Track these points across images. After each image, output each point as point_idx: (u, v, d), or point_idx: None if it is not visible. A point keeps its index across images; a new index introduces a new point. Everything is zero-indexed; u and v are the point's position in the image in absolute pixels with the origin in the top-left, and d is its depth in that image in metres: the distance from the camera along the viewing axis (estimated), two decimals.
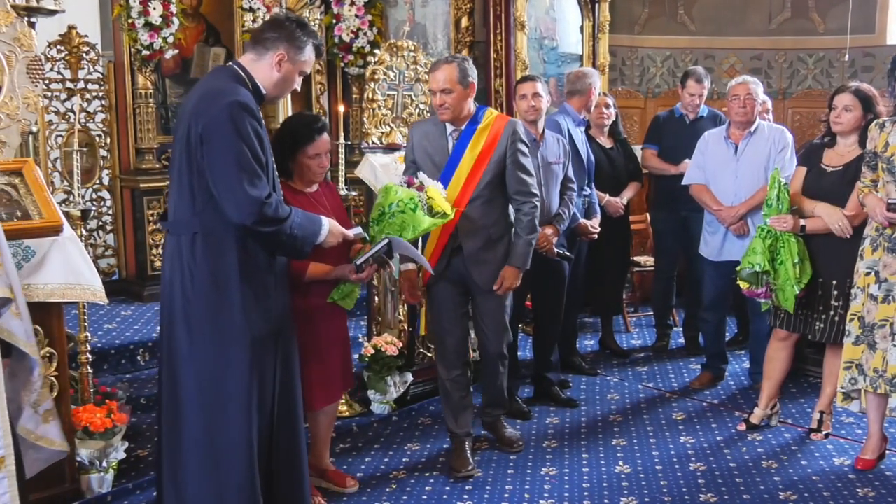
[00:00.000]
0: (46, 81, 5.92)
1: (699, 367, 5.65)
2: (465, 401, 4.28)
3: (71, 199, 4.35)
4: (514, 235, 4.14)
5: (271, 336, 3.19)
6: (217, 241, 3.04)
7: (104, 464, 3.82)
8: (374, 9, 7.24)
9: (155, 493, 3.46)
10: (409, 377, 4.96)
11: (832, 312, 4.37)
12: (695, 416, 4.97)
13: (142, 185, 6.29)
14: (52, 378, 3.60)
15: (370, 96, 5.01)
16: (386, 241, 3.53)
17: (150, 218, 6.34)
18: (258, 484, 3.17)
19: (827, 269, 4.36)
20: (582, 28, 7.21)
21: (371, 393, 4.86)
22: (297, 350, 3.41)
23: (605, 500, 3.93)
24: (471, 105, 4.08)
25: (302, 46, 3.15)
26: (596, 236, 5.36)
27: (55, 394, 3.59)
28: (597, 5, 7.21)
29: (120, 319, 5.74)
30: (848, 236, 4.26)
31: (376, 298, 5.12)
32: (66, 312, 3.80)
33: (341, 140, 5.08)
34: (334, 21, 7.16)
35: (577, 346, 5.93)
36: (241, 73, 3.12)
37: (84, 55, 6.19)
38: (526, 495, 3.98)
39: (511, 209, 4.19)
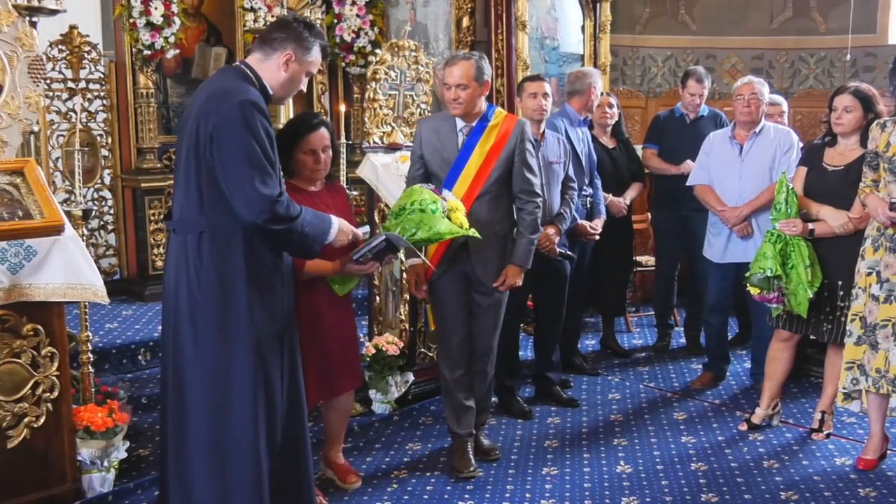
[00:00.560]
0: (48, 81, 5.93)
1: (700, 366, 5.65)
2: (467, 401, 4.27)
3: (72, 198, 4.35)
4: (517, 234, 4.15)
5: (277, 336, 3.19)
6: (224, 241, 3.03)
7: (105, 463, 3.82)
8: (376, 8, 7.24)
9: (157, 493, 3.46)
10: (411, 377, 4.96)
11: (838, 313, 4.36)
12: (696, 415, 4.97)
13: (143, 185, 6.30)
14: (54, 377, 3.60)
15: (371, 96, 5.01)
16: (383, 237, 3.53)
17: (152, 217, 6.34)
18: (265, 485, 3.16)
19: (832, 270, 4.35)
20: (583, 28, 7.21)
21: (372, 392, 4.87)
22: (300, 348, 3.42)
23: (607, 500, 3.93)
24: (483, 103, 4.12)
25: (309, 47, 3.16)
26: (597, 237, 5.35)
27: (56, 394, 3.60)
28: (598, 5, 7.21)
29: (121, 319, 5.75)
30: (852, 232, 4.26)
31: (377, 298, 5.12)
32: (68, 312, 3.80)
33: (342, 140, 5.08)
34: (335, 21, 7.17)
35: (578, 345, 5.92)
36: (248, 72, 3.13)
37: (85, 55, 6.19)
38: (527, 495, 3.98)
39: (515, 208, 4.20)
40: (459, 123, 4.12)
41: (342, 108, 5.66)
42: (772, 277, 4.33)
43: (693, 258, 5.95)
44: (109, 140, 6.36)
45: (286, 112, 4.83)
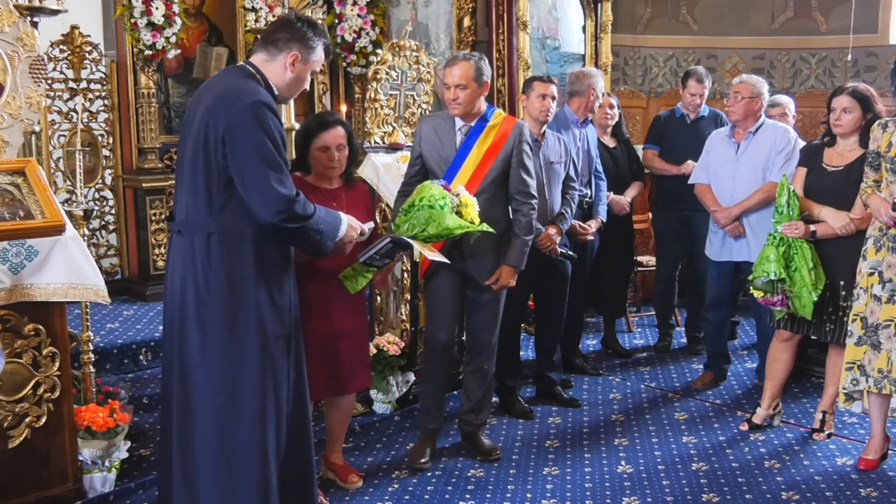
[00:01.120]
0: (49, 81, 5.93)
1: (701, 366, 5.64)
2: (440, 397, 4.37)
3: (73, 198, 4.35)
4: (513, 235, 4.17)
5: (285, 337, 3.18)
6: (234, 242, 3.02)
7: (107, 463, 3.83)
8: (377, 8, 7.24)
9: (157, 494, 3.45)
10: (412, 377, 4.96)
11: (840, 313, 4.36)
12: (697, 415, 4.96)
13: (144, 185, 6.30)
14: (55, 377, 3.61)
15: (372, 96, 5.01)
16: (388, 239, 3.56)
17: (153, 217, 6.34)
18: (273, 487, 3.14)
19: (834, 270, 4.35)
20: (584, 28, 7.21)
21: (373, 392, 4.86)
22: (309, 343, 3.42)
23: (608, 500, 3.93)
24: (482, 103, 4.15)
25: (314, 46, 3.17)
26: (589, 238, 5.34)
27: (57, 394, 3.60)
28: (599, 5, 7.21)
29: (122, 319, 5.75)
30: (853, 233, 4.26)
31: (378, 298, 5.12)
32: (69, 312, 3.80)
33: None
34: (337, 21, 7.17)
35: (580, 345, 5.92)
36: (254, 72, 3.12)
37: (87, 55, 6.19)
38: (528, 495, 3.98)
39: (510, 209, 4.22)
40: (458, 123, 4.15)
41: (343, 108, 5.67)
42: (776, 281, 4.32)
43: (693, 258, 5.95)
44: (110, 140, 6.36)
45: (287, 111, 4.82)
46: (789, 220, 4.35)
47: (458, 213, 3.77)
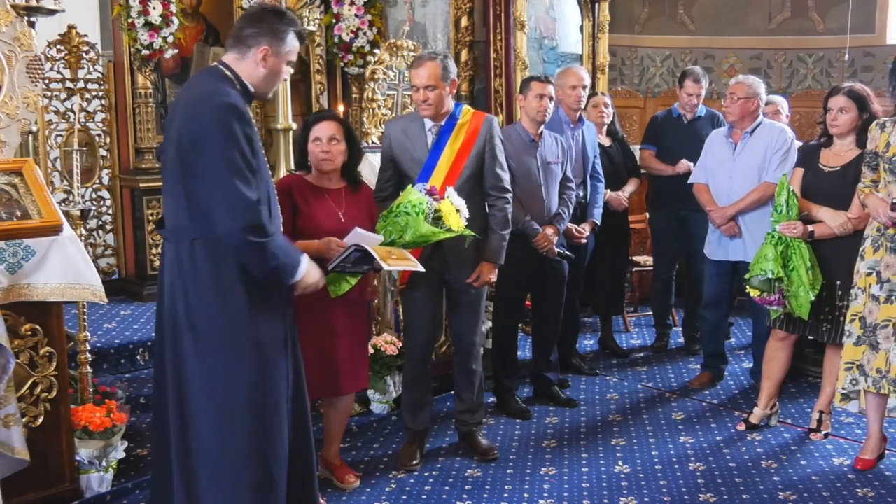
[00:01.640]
0: (46, 81, 5.92)
1: (698, 366, 5.65)
2: (424, 398, 4.35)
3: (70, 198, 4.35)
4: (490, 230, 4.17)
5: (282, 338, 3.12)
6: (218, 246, 2.94)
7: (104, 463, 3.83)
8: (374, 8, 7.23)
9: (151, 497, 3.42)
10: None
11: (837, 313, 4.37)
12: (694, 415, 4.97)
13: (141, 185, 6.29)
14: (52, 377, 3.60)
15: (370, 96, 5.02)
16: (353, 247, 3.46)
17: (150, 217, 6.33)
18: (280, 491, 3.11)
19: (831, 270, 4.36)
20: (581, 28, 7.21)
21: (370, 392, 4.87)
22: (307, 342, 3.40)
23: (605, 500, 3.93)
24: (450, 101, 4.13)
25: (283, 37, 3.06)
26: (583, 241, 5.34)
27: (54, 394, 3.60)
28: (596, 5, 7.22)
29: (119, 319, 5.74)
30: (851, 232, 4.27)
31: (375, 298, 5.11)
32: (66, 312, 3.80)
33: None
34: (334, 21, 7.15)
35: (577, 345, 5.92)
36: (227, 72, 3.04)
37: (84, 55, 6.18)
38: (525, 495, 3.98)
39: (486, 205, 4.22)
40: (428, 123, 4.13)
41: (340, 107, 5.67)
42: (773, 279, 4.33)
43: (691, 258, 5.96)
44: (108, 140, 6.35)
45: (285, 111, 4.82)
46: (788, 220, 4.35)
47: (437, 220, 3.73)
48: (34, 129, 4.09)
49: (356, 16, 7.13)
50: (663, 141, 6.02)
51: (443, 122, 4.12)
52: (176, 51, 6.39)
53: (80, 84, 6.19)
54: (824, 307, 4.39)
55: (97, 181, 6.39)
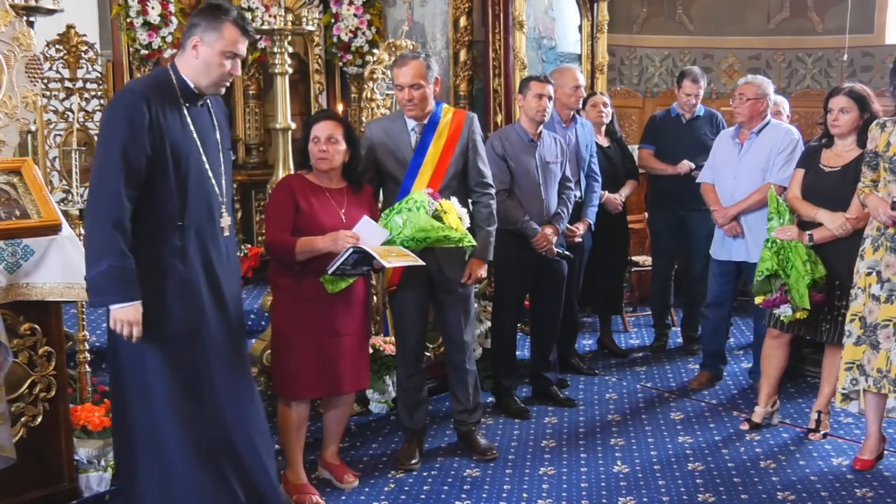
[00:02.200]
0: (45, 80, 5.87)
1: (697, 366, 5.65)
2: (419, 397, 4.35)
3: (69, 198, 4.35)
4: (476, 227, 4.16)
5: (187, 333, 3.13)
6: (135, 242, 3.01)
7: (102, 462, 3.82)
8: (373, 8, 7.24)
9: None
10: None
11: (836, 313, 4.37)
12: (693, 416, 4.97)
13: None
14: (51, 377, 3.60)
15: (369, 95, 5.01)
16: (350, 249, 3.51)
17: None
18: (213, 481, 3.17)
19: (830, 269, 4.36)
20: (580, 27, 7.21)
21: (369, 392, 4.86)
22: (243, 348, 3.39)
23: (604, 500, 3.94)
24: (433, 101, 4.14)
25: (217, 27, 3.07)
26: (578, 240, 5.32)
27: (53, 393, 3.59)
28: (595, 5, 7.21)
29: None
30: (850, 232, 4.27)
31: (374, 298, 5.11)
32: (65, 311, 3.79)
33: None
34: (333, 20, 7.16)
35: (576, 345, 5.92)
36: (168, 69, 3.15)
37: (83, 54, 6.16)
38: (524, 495, 3.98)
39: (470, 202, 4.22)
40: (410, 123, 4.13)
41: (339, 107, 5.66)
42: (771, 276, 4.33)
43: (690, 258, 5.96)
44: None
45: (284, 111, 4.81)
46: (781, 227, 4.37)
47: (438, 217, 3.75)
48: (33, 128, 4.09)
49: (355, 15, 7.14)
50: (662, 140, 6.02)
51: (426, 122, 4.12)
52: (174, 50, 6.39)
53: (79, 84, 6.17)
54: (824, 307, 4.39)
55: None
